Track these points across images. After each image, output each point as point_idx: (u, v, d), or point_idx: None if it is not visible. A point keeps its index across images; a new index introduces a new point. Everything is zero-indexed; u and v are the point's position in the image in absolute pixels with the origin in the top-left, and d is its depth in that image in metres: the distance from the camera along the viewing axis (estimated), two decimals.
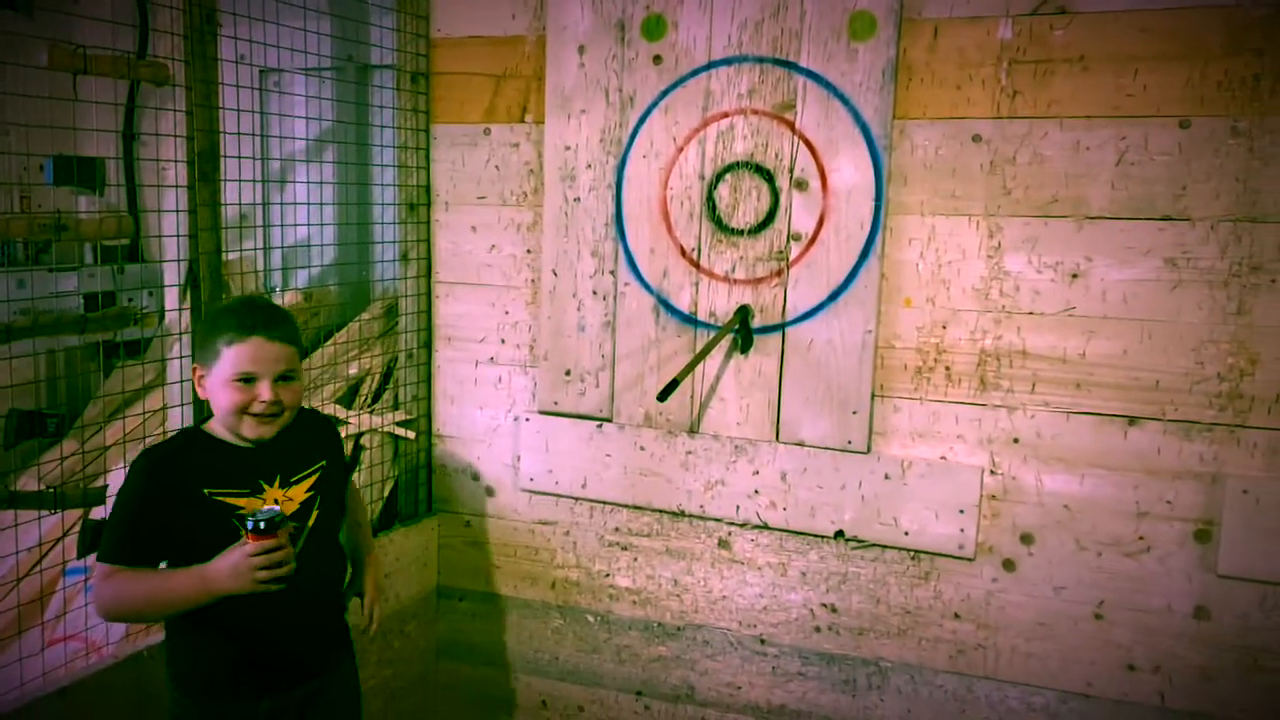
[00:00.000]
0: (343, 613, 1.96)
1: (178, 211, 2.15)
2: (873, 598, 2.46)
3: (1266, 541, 2.11)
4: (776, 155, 2.40)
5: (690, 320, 2.53)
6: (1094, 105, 2.14)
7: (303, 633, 1.81)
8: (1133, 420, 2.20)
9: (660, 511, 2.63)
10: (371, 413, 2.78)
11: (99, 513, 2.28)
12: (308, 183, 3.02)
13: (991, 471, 2.32)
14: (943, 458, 2.35)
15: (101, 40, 2.15)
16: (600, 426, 2.65)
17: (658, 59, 2.47)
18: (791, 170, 2.39)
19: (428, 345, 2.85)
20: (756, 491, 2.52)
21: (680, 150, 2.48)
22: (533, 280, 2.71)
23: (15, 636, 2.14)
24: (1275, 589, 2.13)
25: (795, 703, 2.57)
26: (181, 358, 2.18)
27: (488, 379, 2.80)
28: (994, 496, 2.33)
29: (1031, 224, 2.22)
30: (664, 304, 2.54)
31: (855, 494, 2.42)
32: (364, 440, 2.76)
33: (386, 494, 2.78)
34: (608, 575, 2.72)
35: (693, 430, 2.57)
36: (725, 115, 2.43)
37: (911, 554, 2.41)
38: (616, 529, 2.69)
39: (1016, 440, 2.29)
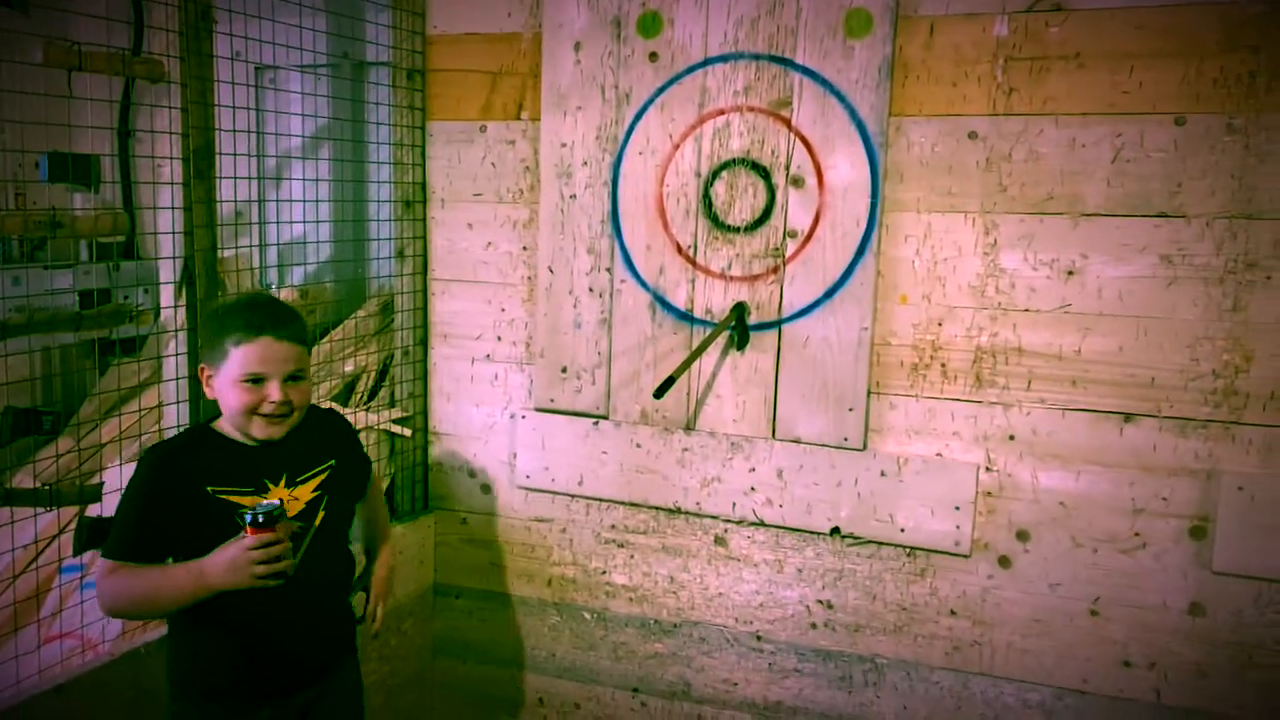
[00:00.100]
0: (348, 617, 1.91)
1: (173, 208, 2.15)
2: (869, 594, 2.46)
3: (1261, 538, 2.12)
4: (773, 152, 2.40)
5: (686, 317, 2.53)
6: (1090, 102, 2.15)
7: (305, 634, 1.79)
8: (1128, 417, 2.21)
9: (656, 509, 2.63)
10: (368, 410, 2.78)
11: (95, 510, 2.28)
12: (303, 180, 3.02)
13: (987, 468, 2.32)
14: (938, 454, 2.36)
15: (96, 37, 2.14)
16: (596, 424, 2.65)
17: (654, 56, 2.47)
18: (787, 167, 2.39)
19: (424, 342, 2.85)
20: (752, 488, 2.52)
21: (676, 147, 2.48)
22: (529, 277, 2.71)
23: (11, 634, 2.13)
24: (1270, 585, 2.14)
25: (791, 699, 2.57)
26: (177, 355, 2.18)
27: (484, 376, 2.80)
28: (990, 493, 2.33)
29: (1027, 221, 2.22)
30: (660, 301, 2.54)
31: (851, 491, 2.43)
32: (360, 438, 2.76)
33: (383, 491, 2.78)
34: (604, 572, 2.72)
35: (689, 427, 2.57)
36: (721, 112, 2.43)
37: (907, 551, 2.41)
38: (613, 526, 2.69)
39: (1012, 437, 2.29)
